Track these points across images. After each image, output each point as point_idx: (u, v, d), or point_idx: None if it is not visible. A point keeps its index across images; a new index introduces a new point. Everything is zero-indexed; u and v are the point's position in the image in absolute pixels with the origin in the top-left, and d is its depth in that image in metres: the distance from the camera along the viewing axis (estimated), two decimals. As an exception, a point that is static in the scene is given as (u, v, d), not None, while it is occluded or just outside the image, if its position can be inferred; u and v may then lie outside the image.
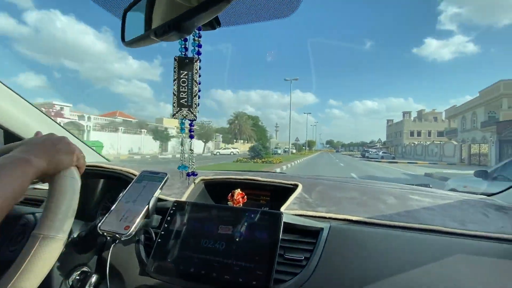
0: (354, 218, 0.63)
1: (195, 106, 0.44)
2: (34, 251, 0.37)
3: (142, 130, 27.92)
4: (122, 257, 0.61)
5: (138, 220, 0.52)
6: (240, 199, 0.78)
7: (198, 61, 0.43)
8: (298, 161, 19.58)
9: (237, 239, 0.56)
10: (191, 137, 0.49)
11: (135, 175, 0.63)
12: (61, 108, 23.48)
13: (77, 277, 0.56)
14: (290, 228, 0.59)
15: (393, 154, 33.81)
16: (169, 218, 0.63)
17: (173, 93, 0.44)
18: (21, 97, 0.89)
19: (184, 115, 0.44)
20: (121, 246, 0.57)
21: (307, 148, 66.15)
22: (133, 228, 0.50)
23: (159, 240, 0.60)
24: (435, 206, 0.68)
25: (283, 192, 0.80)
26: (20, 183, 0.35)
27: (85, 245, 0.54)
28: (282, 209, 0.69)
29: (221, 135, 43.41)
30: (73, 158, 0.45)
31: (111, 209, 0.55)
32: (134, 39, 0.43)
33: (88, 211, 0.93)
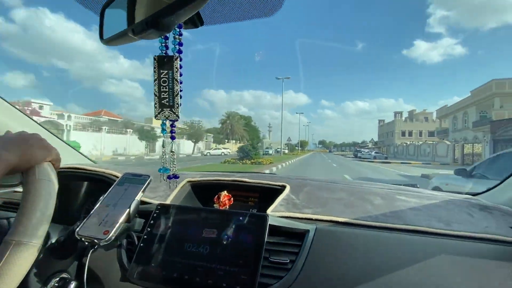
0: (340, 219, 0.64)
1: (177, 106, 0.44)
2: (5, 258, 0.36)
3: (128, 130, 27.30)
4: (103, 263, 0.60)
5: (118, 224, 0.51)
6: (227, 201, 0.78)
7: (179, 59, 0.43)
8: (290, 161, 19.44)
9: (221, 243, 0.56)
10: (172, 138, 0.49)
11: (118, 178, 0.63)
12: (40, 107, 22.79)
13: (56, 284, 0.55)
14: (276, 230, 0.59)
15: (386, 154, 34.47)
16: (152, 222, 0.62)
17: (154, 93, 0.44)
18: None
19: (167, 116, 0.44)
20: (102, 251, 0.56)
21: (299, 148, 66.68)
22: (112, 233, 0.50)
23: (141, 244, 0.59)
24: (421, 207, 0.70)
25: (271, 193, 0.81)
26: None
27: (64, 251, 0.53)
28: (269, 211, 0.70)
29: (212, 135, 43.13)
30: (46, 153, 0.45)
31: (90, 213, 0.54)
32: (112, 37, 0.43)
33: (72, 214, 0.92)
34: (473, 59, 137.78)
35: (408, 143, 35.20)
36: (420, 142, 32.35)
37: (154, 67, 0.44)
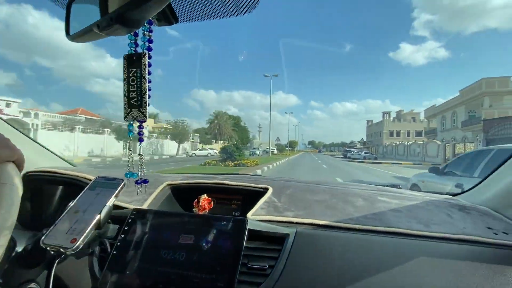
0: (321, 222, 0.66)
1: (145, 105, 0.43)
2: None
3: (106, 129, 26.15)
4: (74, 271, 0.59)
5: (87, 231, 0.50)
6: (206, 205, 0.78)
7: (147, 56, 0.43)
8: (278, 163, 18.55)
9: (198, 249, 0.56)
10: (140, 140, 0.48)
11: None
12: (7, 104, 21.66)
13: None
14: (256, 235, 0.60)
15: (375, 154, 35.24)
16: (126, 228, 0.62)
17: (124, 94, 0.44)
18: None
19: (135, 116, 0.44)
20: (73, 259, 0.55)
21: (289, 148, 67.21)
22: (80, 241, 0.49)
23: (114, 252, 0.58)
24: (402, 208, 0.73)
25: (255, 196, 0.81)
26: None
27: (32, 259, 0.52)
28: (249, 214, 0.70)
29: (198, 135, 42.60)
30: (9, 152, 0.44)
31: (57, 220, 0.53)
32: (79, 33, 0.42)
33: (45, 220, 0.89)
34: (455, 62, 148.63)
35: (397, 143, 36.14)
36: (410, 142, 33.26)
37: (124, 67, 0.44)
